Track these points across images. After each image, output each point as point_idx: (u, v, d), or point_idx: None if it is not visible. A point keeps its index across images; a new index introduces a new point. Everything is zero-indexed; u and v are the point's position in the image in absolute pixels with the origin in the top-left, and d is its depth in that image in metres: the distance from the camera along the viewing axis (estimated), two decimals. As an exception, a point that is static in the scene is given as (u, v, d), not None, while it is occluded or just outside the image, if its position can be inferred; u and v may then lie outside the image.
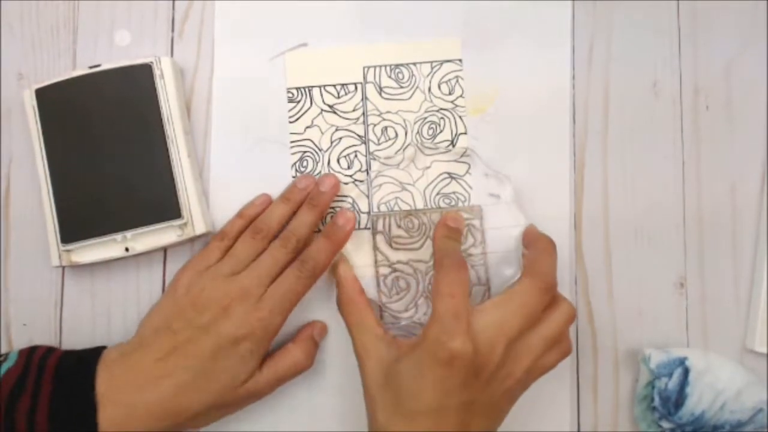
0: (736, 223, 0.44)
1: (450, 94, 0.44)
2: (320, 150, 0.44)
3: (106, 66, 0.42)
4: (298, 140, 0.44)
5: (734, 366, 0.42)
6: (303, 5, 0.45)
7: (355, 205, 0.43)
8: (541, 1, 0.45)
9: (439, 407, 0.34)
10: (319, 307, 0.44)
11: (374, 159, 0.44)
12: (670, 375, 0.41)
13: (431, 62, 0.44)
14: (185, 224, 0.42)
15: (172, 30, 0.45)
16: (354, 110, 0.44)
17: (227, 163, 0.44)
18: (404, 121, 0.44)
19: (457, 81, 0.44)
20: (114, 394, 0.37)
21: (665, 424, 0.42)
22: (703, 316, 0.44)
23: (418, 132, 0.44)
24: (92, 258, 0.42)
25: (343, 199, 0.44)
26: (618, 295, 0.44)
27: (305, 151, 0.44)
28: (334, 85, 0.44)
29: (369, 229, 0.43)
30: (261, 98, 0.44)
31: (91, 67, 0.42)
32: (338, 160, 0.44)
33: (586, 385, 0.44)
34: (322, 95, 0.44)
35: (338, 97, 0.44)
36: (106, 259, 0.42)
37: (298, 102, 0.44)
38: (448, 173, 0.44)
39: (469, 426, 0.35)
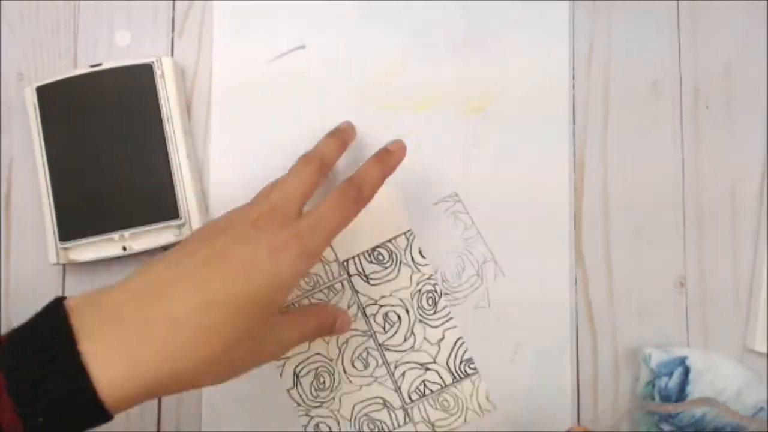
0: (736, 222, 0.44)
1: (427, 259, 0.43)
2: (331, 360, 0.42)
3: (107, 65, 0.42)
4: (307, 358, 0.42)
5: (735, 365, 0.42)
6: (303, 5, 0.45)
7: (388, 405, 0.42)
8: (540, 1, 0.45)
9: None
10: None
11: (387, 349, 0.42)
12: (670, 374, 0.41)
13: (404, 233, 0.43)
14: (183, 225, 0.42)
15: (173, 30, 0.45)
16: (348, 308, 0.42)
17: (227, 164, 0.44)
18: (401, 300, 0.43)
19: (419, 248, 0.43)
20: (109, 342, 0.26)
21: (665, 427, 0.42)
22: (704, 315, 0.44)
23: (418, 306, 0.43)
24: (89, 256, 0.42)
25: (373, 400, 0.42)
26: (618, 294, 0.44)
27: (317, 367, 0.42)
28: (322, 290, 0.43)
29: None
30: (261, 98, 0.44)
31: (92, 66, 0.42)
32: (353, 364, 0.42)
33: (586, 384, 0.44)
34: (313, 304, 0.42)
35: (329, 301, 0.42)
36: (103, 257, 0.42)
37: None
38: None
39: None
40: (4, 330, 0.43)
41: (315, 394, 0.42)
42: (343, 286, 0.43)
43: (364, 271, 0.43)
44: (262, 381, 0.42)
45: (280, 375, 0.42)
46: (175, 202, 0.42)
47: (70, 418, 0.25)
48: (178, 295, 0.28)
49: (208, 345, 0.28)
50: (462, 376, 0.42)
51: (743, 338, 0.44)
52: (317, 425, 0.42)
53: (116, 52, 0.45)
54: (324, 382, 0.42)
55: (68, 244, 0.42)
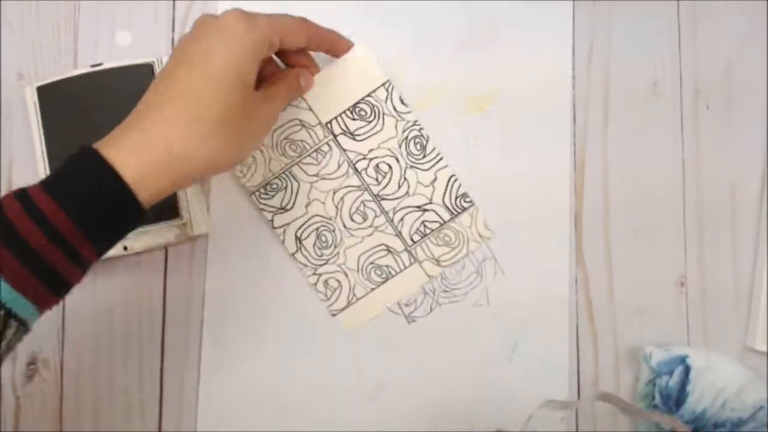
0: (736, 222, 0.44)
1: (407, 106, 0.43)
2: (330, 218, 0.43)
3: (107, 65, 0.42)
4: (306, 220, 0.43)
5: (735, 364, 0.42)
6: (304, 5, 0.45)
7: (392, 250, 0.43)
8: (541, 1, 0.45)
9: None
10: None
11: (383, 199, 0.43)
12: (671, 373, 0.41)
13: (383, 85, 0.43)
14: (184, 224, 0.42)
15: (173, 30, 0.45)
16: (339, 167, 0.43)
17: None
18: (390, 150, 0.43)
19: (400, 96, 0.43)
20: (124, 144, 0.32)
21: (665, 426, 0.42)
22: (704, 314, 0.44)
23: (407, 153, 0.43)
24: (92, 256, 0.42)
25: (377, 248, 0.43)
26: (618, 294, 0.44)
27: (318, 227, 0.43)
28: (310, 154, 0.43)
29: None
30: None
31: (92, 66, 0.42)
32: (351, 218, 0.43)
33: (586, 384, 0.44)
34: (303, 169, 0.43)
35: (319, 163, 0.43)
36: (104, 257, 0.42)
37: (285, 189, 0.43)
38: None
39: None
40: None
41: (319, 253, 0.43)
42: (330, 147, 0.43)
43: (348, 129, 0.43)
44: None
45: (283, 242, 0.43)
46: (176, 203, 0.42)
47: (105, 206, 0.31)
48: (161, 92, 0.34)
49: (203, 120, 0.32)
50: (459, 210, 0.43)
51: (743, 337, 0.44)
52: (326, 281, 0.43)
53: (117, 52, 0.45)
54: (326, 241, 0.43)
55: (69, 244, 0.42)
